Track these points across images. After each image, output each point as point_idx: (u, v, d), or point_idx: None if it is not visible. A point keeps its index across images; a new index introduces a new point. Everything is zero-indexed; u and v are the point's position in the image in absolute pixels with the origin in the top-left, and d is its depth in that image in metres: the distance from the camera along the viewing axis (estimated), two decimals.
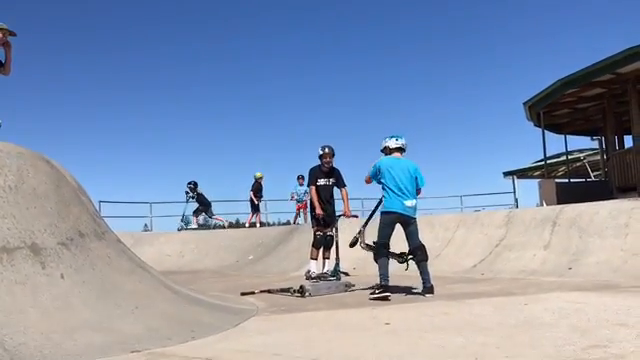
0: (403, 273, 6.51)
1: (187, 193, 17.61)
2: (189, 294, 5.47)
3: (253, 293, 6.78)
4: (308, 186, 8.81)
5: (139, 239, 14.33)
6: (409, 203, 6.14)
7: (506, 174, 24.75)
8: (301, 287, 6.51)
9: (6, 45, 6.30)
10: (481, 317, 4.56)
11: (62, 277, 4.05)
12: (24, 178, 4.48)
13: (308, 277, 8.22)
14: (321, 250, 8.50)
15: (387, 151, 6.51)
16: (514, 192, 21.82)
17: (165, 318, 4.39)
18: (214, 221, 18.80)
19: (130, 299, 4.39)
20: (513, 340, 3.58)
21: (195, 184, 17.55)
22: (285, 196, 18.66)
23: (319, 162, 8.47)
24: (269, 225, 19.60)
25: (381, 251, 6.16)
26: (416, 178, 6.31)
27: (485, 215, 11.14)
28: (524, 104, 16.98)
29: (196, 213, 17.93)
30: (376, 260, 6.19)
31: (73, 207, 4.84)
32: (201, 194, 17.62)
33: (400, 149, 6.46)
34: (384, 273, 6.00)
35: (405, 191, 6.13)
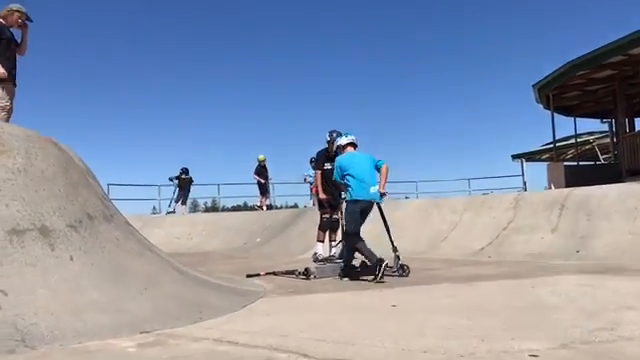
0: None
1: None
2: (197, 276, 5.51)
3: (259, 275, 6.82)
4: (314, 170, 8.80)
5: (147, 221, 14.43)
6: (373, 189, 6.45)
7: (514, 157, 24.62)
8: (306, 269, 6.56)
9: (23, 26, 6.53)
10: (488, 299, 4.57)
11: (71, 259, 4.08)
12: (32, 161, 4.50)
13: (315, 259, 8.26)
14: (327, 233, 8.52)
15: (340, 150, 6.91)
16: (522, 175, 21.68)
17: (173, 299, 4.43)
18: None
19: (139, 281, 4.43)
20: (520, 322, 3.59)
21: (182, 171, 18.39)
22: (293, 179, 18.73)
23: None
24: (277, 208, 19.65)
25: (356, 239, 6.46)
26: (375, 165, 6.60)
27: (493, 198, 11.12)
28: (533, 86, 16.83)
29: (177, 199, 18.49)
30: (354, 250, 6.49)
31: (81, 189, 4.87)
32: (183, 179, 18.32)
33: (352, 144, 6.87)
34: (370, 254, 6.28)
35: (368, 179, 6.44)
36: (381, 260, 6.02)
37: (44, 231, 4.09)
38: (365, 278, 6.21)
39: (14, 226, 3.96)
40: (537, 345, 2.92)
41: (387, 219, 6.89)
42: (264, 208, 17.69)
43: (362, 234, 6.60)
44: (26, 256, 3.85)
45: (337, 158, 6.80)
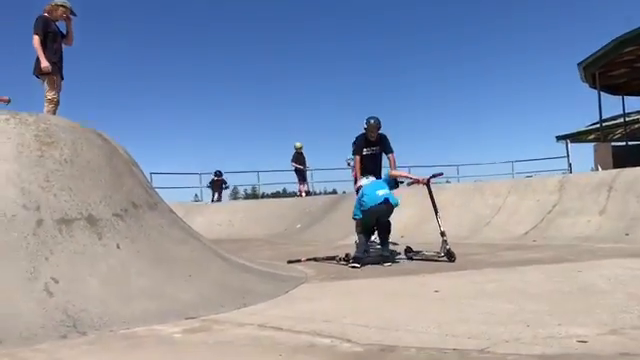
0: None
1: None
2: (240, 262, 5.58)
3: (300, 261, 6.87)
4: (353, 155, 8.73)
5: (190, 209, 14.67)
6: (381, 192, 6.60)
7: (559, 138, 23.91)
8: (347, 255, 6.58)
9: (67, 19, 6.77)
10: (533, 284, 4.48)
11: (118, 247, 4.19)
12: (78, 152, 4.62)
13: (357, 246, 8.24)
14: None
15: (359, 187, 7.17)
16: (567, 157, 21.11)
17: (217, 286, 4.50)
18: None
19: (183, 267, 4.52)
20: (566, 307, 3.51)
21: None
22: (330, 165, 18.81)
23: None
24: (316, 194, 19.71)
25: (366, 232, 6.82)
26: (388, 179, 7.06)
27: (537, 181, 10.86)
28: (578, 65, 16.29)
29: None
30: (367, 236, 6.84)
31: (126, 179, 4.98)
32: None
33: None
34: (359, 246, 6.65)
35: (375, 189, 6.67)
36: (357, 258, 6.36)
37: (91, 220, 4.21)
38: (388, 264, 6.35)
39: (62, 216, 4.08)
40: (585, 331, 2.85)
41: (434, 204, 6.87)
42: (303, 195, 17.77)
43: (402, 219, 6.61)
44: (75, 245, 3.97)
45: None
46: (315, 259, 6.98)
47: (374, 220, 6.74)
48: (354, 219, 7.00)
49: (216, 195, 19.85)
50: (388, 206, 6.56)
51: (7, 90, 8.54)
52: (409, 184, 8.38)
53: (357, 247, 6.63)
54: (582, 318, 3.17)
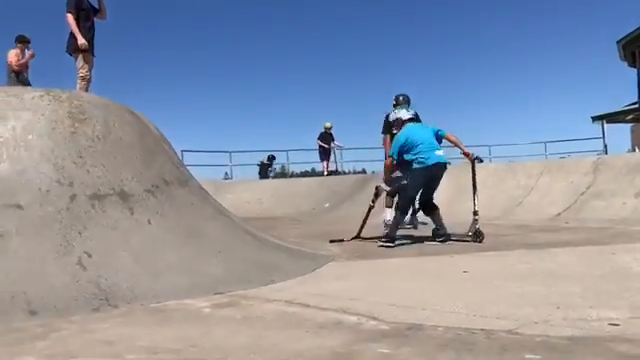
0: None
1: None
2: (268, 239, 5.62)
3: (342, 240, 6.80)
4: (382, 134, 8.66)
5: (220, 187, 14.80)
6: (439, 152, 6.26)
7: (595, 119, 23.31)
8: (387, 234, 6.32)
9: None
10: (565, 266, 4.41)
11: (149, 222, 4.26)
12: (110, 129, 4.68)
13: (385, 225, 8.21)
14: (396, 198, 8.42)
15: (399, 124, 6.70)
16: (603, 138, 20.61)
17: (246, 262, 4.54)
18: None
19: (213, 244, 4.57)
20: (599, 290, 3.44)
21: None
22: (360, 144, 18.84)
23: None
24: (344, 174, 19.69)
25: (407, 205, 6.50)
26: (437, 133, 6.46)
27: (571, 162, 10.65)
28: (618, 42, 15.81)
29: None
30: (397, 210, 6.43)
31: (157, 156, 5.03)
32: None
33: (412, 119, 6.72)
34: (395, 226, 6.30)
35: (434, 145, 6.29)
36: (392, 238, 6.10)
37: (123, 196, 4.27)
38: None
39: (95, 191, 4.15)
40: (617, 314, 2.79)
41: (466, 183, 6.72)
42: (326, 173, 17.80)
43: (437, 206, 6.52)
44: (107, 219, 4.04)
45: (397, 134, 6.63)
46: (359, 236, 6.89)
47: (421, 185, 6.37)
48: (391, 156, 6.60)
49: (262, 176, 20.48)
50: (443, 172, 6.33)
51: (40, 69, 8.70)
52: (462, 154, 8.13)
53: (390, 225, 6.45)
54: (615, 301, 3.11)
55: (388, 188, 6.46)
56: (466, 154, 6.56)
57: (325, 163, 18.18)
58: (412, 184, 6.40)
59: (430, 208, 6.56)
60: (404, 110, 6.88)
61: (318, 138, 17.98)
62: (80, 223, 3.90)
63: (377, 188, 6.48)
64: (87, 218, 3.96)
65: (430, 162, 6.14)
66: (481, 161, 7.67)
